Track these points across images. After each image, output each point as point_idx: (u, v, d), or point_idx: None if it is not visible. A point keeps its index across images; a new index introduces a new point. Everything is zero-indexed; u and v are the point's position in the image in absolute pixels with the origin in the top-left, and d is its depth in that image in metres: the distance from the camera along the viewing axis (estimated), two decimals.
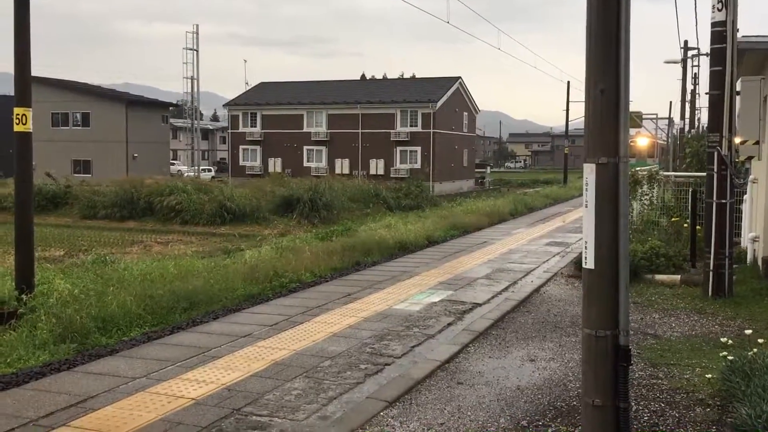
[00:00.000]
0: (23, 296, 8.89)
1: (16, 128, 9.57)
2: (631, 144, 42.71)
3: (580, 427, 4.76)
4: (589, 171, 4.42)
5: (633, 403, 5.31)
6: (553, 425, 4.99)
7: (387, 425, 4.98)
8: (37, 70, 9.59)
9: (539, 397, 5.60)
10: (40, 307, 8.68)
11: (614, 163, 4.36)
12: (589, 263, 4.42)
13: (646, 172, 14.06)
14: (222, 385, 5.70)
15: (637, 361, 6.44)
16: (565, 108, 57.60)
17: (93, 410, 5.13)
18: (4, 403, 5.33)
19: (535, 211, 26.56)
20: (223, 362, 6.36)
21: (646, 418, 5.09)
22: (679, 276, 10.36)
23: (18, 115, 9.48)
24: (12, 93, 9.93)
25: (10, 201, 32.49)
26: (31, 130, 9.83)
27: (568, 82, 54.41)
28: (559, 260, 12.82)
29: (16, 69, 9.60)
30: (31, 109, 9.82)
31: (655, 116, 42.54)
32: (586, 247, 4.44)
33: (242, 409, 5.18)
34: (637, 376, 6.02)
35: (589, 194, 4.42)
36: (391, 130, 50.76)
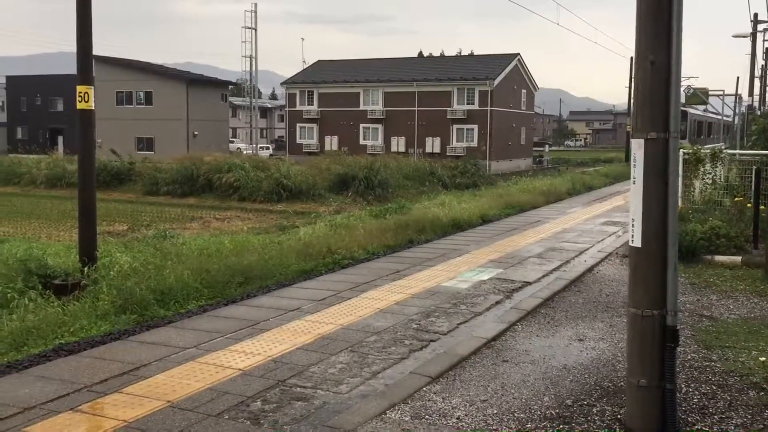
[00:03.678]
0: (86, 268, 9.20)
1: (79, 106, 9.83)
2: None
3: (625, 408, 4.68)
4: (637, 147, 4.30)
5: (683, 385, 5.19)
6: (598, 405, 4.91)
7: (429, 400, 4.99)
8: (100, 49, 9.79)
9: (586, 376, 5.52)
10: (102, 279, 8.98)
11: (664, 138, 4.23)
12: (636, 241, 4.32)
13: (709, 150, 13.58)
14: (269, 357, 5.81)
15: (690, 342, 6.29)
16: (627, 85, 56.01)
17: (144, 378, 5.30)
18: (62, 370, 5.55)
19: (594, 191, 26.04)
20: (271, 335, 6.47)
21: (695, 400, 4.96)
22: (740, 257, 10.02)
23: (80, 92, 9.74)
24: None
25: (77, 177, 33.66)
26: (93, 108, 10.09)
27: (631, 58, 52.76)
28: (614, 240, 12.56)
29: (79, 48, 9.84)
30: (92, 86, 10.08)
31: (721, 93, 40.72)
32: (633, 225, 4.34)
33: (287, 381, 5.27)
34: (689, 358, 5.88)
35: (637, 170, 4.30)
36: (448, 108, 50.32)
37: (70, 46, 9.95)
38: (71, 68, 10.00)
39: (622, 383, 5.33)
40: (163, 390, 5.03)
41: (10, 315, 7.72)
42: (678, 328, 4.29)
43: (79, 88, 9.75)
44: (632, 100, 4.40)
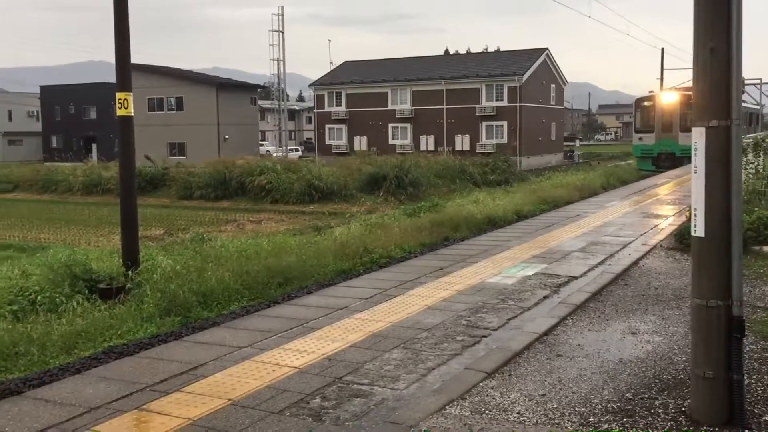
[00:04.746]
0: (129, 272, 9.33)
1: (119, 112, 9.96)
2: (649, 102, 35.07)
3: (689, 400, 4.63)
4: (699, 135, 4.25)
5: (745, 377, 5.10)
6: (660, 398, 4.86)
7: (487, 395, 4.98)
8: (131, 57, 9.96)
9: (643, 369, 5.46)
10: (146, 282, 9.10)
11: (725, 126, 4.17)
12: (699, 231, 4.26)
13: (751, 140, 13.34)
14: (323, 354, 5.84)
15: (747, 334, 6.16)
16: (658, 77, 55.24)
17: (203, 377, 5.37)
18: (121, 370, 5.65)
19: (629, 184, 25.74)
20: (322, 333, 6.51)
21: (759, 391, 4.89)
22: None
23: (120, 99, 9.87)
24: (110, 81, 10.35)
25: (112, 183, 34.21)
26: (132, 114, 10.22)
27: (662, 49, 52.11)
28: (657, 232, 12.40)
29: (117, 56, 9.97)
30: (131, 93, 10.21)
31: (758, 81, 39.91)
32: (695, 215, 4.28)
33: (343, 378, 5.30)
34: (747, 349, 5.78)
35: (699, 159, 4.25)
36: (476, 105, 50.15)
37: (101, 55, 10.16)
38: (103, 77, 10.16)
39: (681, 376, 5.26)
40: (223, 388, 5.09)
41: (59, 319, 7.86)
42: (744, 318, 4.23)
43: (119, 95, 9.88)
44: (693, 90, 4.34)
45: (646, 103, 35.46)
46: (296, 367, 5.53)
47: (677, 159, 33.02)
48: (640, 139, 35.12)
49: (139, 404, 4.82)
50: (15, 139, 77.48)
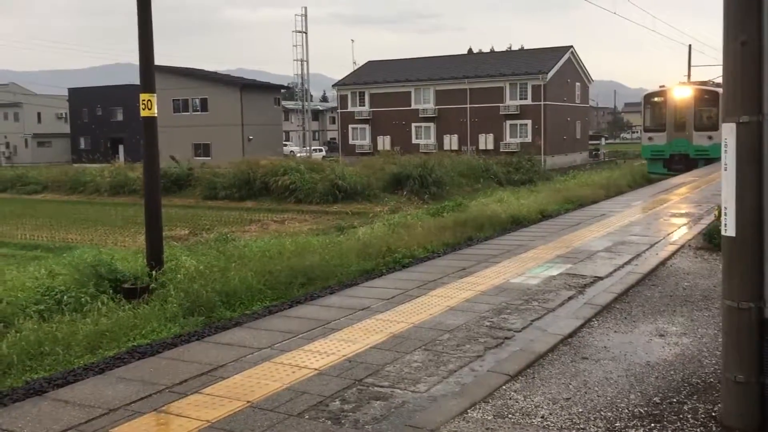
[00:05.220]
0: (153, 272, 9.36)
1: (143, 113, 10.00)
2: (660, 98, 31.37)
3: (719, 405, 4.48)
4: (729, 131, 4.11)
5: None
6: (689, 402, 4.72)
7: (510, 398, 4.87)
8: (156, 59, 9.98)
9: (671, 373, 5.31)
10: (170, 282, 9.13)
11: (757, 121, 4.03)
12: (729, 230, 4.12)
13: None
14: (343, 356, 5.77)
15: None
16: (686, 74, 54.44)
17: (222, 378, 5.33)
18: (141, 371, 5.63)
19: (655, 183, 25.35)
20: (343, 334, 6.44)
21: None
22: None
23: (144, 100, 9.91)
24: (136, 83, 10.40)
25: (138, 184, 34.56)
26: (156, 115, 10.25)
27: (690, 45, 51.35)
28: (685, 232, 12.16)
29: (141, 57, 10.01)
30: (155, 94, 10.25)
31: None
32: (725, 213, 4.14)
33: (364, 380, 5.22)
34: None
35: (729, 156, 4.11)
36: (500, 104, 49.87)
37: (127, 57, 10.19)
38: (129, 79, 10.22)
39: (711, 379, 5.11)
40: (242, 390, 5.04)
41: (84, 319, 7.90)
42: None
43: (142, 96, 9.91)
44: (723, 85, 4.20)
45: (656, 99, 32.06)
46: (316, 369, 5.47)
47: (691, 161, 30.21)
48: (650, 139, 31.74)
49: (158, 406, 4.79)
50: (44, 141, 78.75)
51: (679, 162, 30.13)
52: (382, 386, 5.11)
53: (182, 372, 5.52)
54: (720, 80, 34.21)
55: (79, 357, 7.04)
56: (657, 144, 31.08)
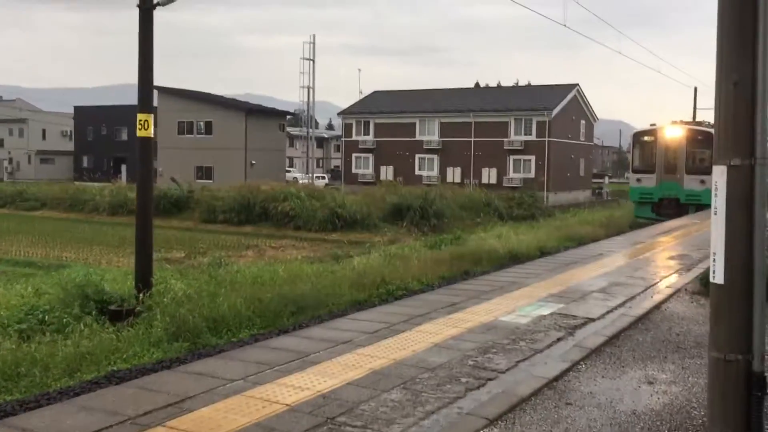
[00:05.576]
0: (141, 295, 9.20)
1: (139, 133, 9.92)
2: (650, 137, 29.24)
3: None
4: (719, 174, 3.94)
5: None
6: None
7: None
8: (163, 80, 9.90)
9: (658, 424, 5.09)
10: (156, 306, 8.95)
11: (749, 165, 3.87)
12: (717, 277, 3.94)
13: None
14: (318, 392, 5.56)
15: None
16: (691, 114, 54.57)
17: (189, 411, 5.11)
18: (105, 400, 5.41)
19: (657, 224, 25.16)
20: (321, 368, 6.22)
21: None
22: None
23: (141, 120, 9.83)
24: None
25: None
26: (152, 135, 10.17)
27: (695, 88, 51.61)
28: (682, 275, 11.95)
29: (140, 76, 9.97)
30: (152, 114, 10.17)
31: None
32: (714, 260, 3.96)
33: (336, 419, 5.00)
34: None
35: (719, 200, 3.94)
36: (505, 139, 49.95)
37: (135, 78, 10.10)
38: (135, 99, 10.14)
39: None
40: (208, 425, 4.82)
41: (65, 340, 7.72)
42: (766, 374, 3.88)
43: (140, 116, 9.84)
44: (714, 126, 4.06)
45: (646, 138, 29.89)
46: (288, 405, 5.25)
47: (682, 206, 28.00)
48: (639, 180, 29.42)
49: None
50: (47, 158, 79.03)
51: (669, 207, 28.12)
52: (354, 426, 4.89)
53: (149, 402, 5.31)
54: (703, 117, 33.73)
55: (56, 380, 6.84)
56: (645, 186, 28.97)
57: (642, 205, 29.13)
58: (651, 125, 30.22)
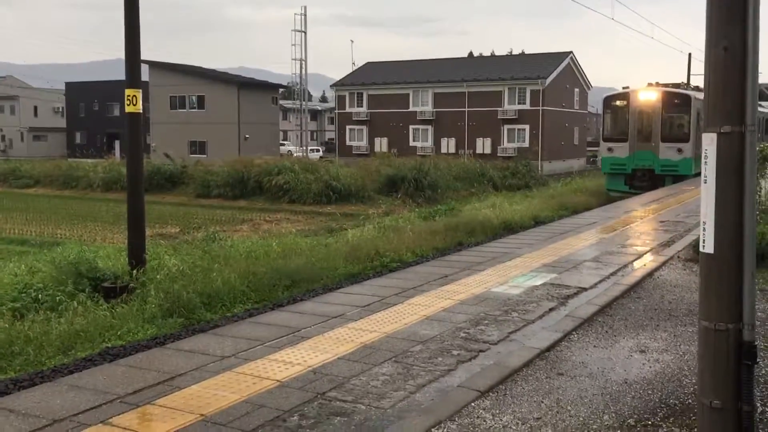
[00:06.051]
0: (134, 271, 9.17)
1: (128, 109, 9.82)
2: (622, 101, 26.60)
3: (695, 429, 4.25)
4: (709, 141, 3.87)
5: (758, 404, 4.71)
6: (664, 425, 4.49)
7: (477, 417, 4.64)
8: (154, 55, 9.78)
9: (649, 392, 5.09)
10: (150, 282, 8.93)
11: (739, 132, 3.79)
12: (707, 247, 3.88)
13: None
14: (308, 367, 5.54)
15: (765, 355, 5.78)
16: (685, 81, 54.27)
17: (179, 389, 5.09)
18: (95, 378, 5.39)
19: (650, 191, 25.14)
20: (312, 343, 6.21)
21: None
22: None
23: (129, 96, 9.72)
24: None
25: None
26: (140, 111, 10.07)
27: (690, 54, 51.11)
28: (674, 242, 11.94)
29: (127, 51, 9.83)
30: (140, 90, 10.05)
31: None
32: (704, 229, 3.91)
33: (326, 394, 4.99)
34: (763, 372, 5.38)
35: (709, 168, 3.87)
36: (499, 108, 49.68)
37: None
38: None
39: (689, 401, 4.89)
40: (197, 402, 4.80)
41: (59, 318, 7.70)
42: (756, 343, 3.85)
43: (128, 92, 9.73)
44: (704, 92, 3.98)
45: (617, 103, 27.03)
46: (278, 381, 5.23)
47: (657, 177, 25.51)
48: (610, 150, 26.56)
49: (105, 418, 4.55)
50: (40, 135, 78.45)
51: (643, 179, 25.59)
52: (345, 401, 4.88)
53: (139, 380, 5.29)
54: (698, 83, 31.34)
55: (50, 357, 6.83)
56: (617, 157, 26.21)
57: (614, 177, 26.48)
58: (624, 88, 27.71)
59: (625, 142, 26.04)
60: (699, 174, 19.60)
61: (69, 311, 7.96)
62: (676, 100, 25.97)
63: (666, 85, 27.06)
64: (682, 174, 25.08)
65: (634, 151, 25.84)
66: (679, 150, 25.08)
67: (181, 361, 5.73)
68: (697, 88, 28.63)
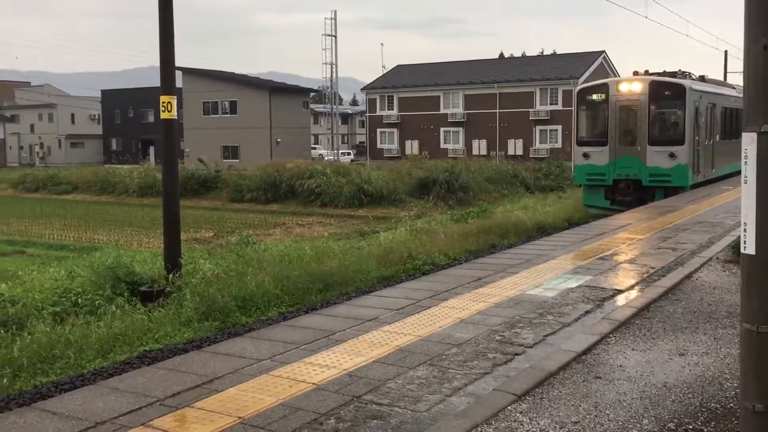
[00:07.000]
0: (170, 275, 9.31)
1: (163, 115, 9.99)
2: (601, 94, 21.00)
3: None
4: (749, 141, 3.80)
5: None
6: (705, 430, 4.42)
7: (515, 420, 4.62)
8: (187, 61, 9.94)
9: (689, 396, 5.01)
10: (186, 286, 9.06)
11: None
12: (749, 248, 3.82)
13: None
14: (344, 370, 5.56)
15: None
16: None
17: (217, 391, 5.15)
18: (135, 381, 5.47)
19: (688, 191, 24.70)
20: (347, 346, 6.23)
21: None
22: None
23: (164, 102, 9.88)
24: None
25: None
26: (175, 117, 10.22)
27: (726, 51, 50.34)
28: (713, 243, 11.73)
29: (162, 59, 10.00)
30: (175, 96, 10.20)
31: None
32: (745, 230, 3.84)
33: (362, 397, 5.00)
34: None
35: (749, 168, 3.81)
36: (530, 109, 49.34)
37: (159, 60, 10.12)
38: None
39: (731, 404, 4.80)
40: (235, 405, 4.85)
41: (98, 321, 7.85)
42: None
43: (163, 98, 9.89)
44: (743, 91, 3.91)
45: (594, 97, 21.67)
46: (314, 384, 5.26)
47: (644, 190, 20.38)
48: (585, 156, 21.08)
49: (145, 420, 4.62)
50: (77, 142, 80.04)
51: (627, 191, 20.51)
52: (381, 404, 4.89)
53: (177, 383, 5.36)
54: (735, 81, 28.81)
55: (90, 361, 6.98)
56: (595, 164, 20.86)
57: (591, 189, 21.27)
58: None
59: (605, 146, 20.73)
60: (697, 186, 18.74)
61: (107, 315, 8.12)
62: (667, 91, 20.74)
63: (655, 74, 21.74)
64: (675, 186, 20.35)
65: (616, 157, 20.60)
66: (672, 155, 20.06)
67: (218, 364, 5.80)
68: (702, 78, 23.72)
